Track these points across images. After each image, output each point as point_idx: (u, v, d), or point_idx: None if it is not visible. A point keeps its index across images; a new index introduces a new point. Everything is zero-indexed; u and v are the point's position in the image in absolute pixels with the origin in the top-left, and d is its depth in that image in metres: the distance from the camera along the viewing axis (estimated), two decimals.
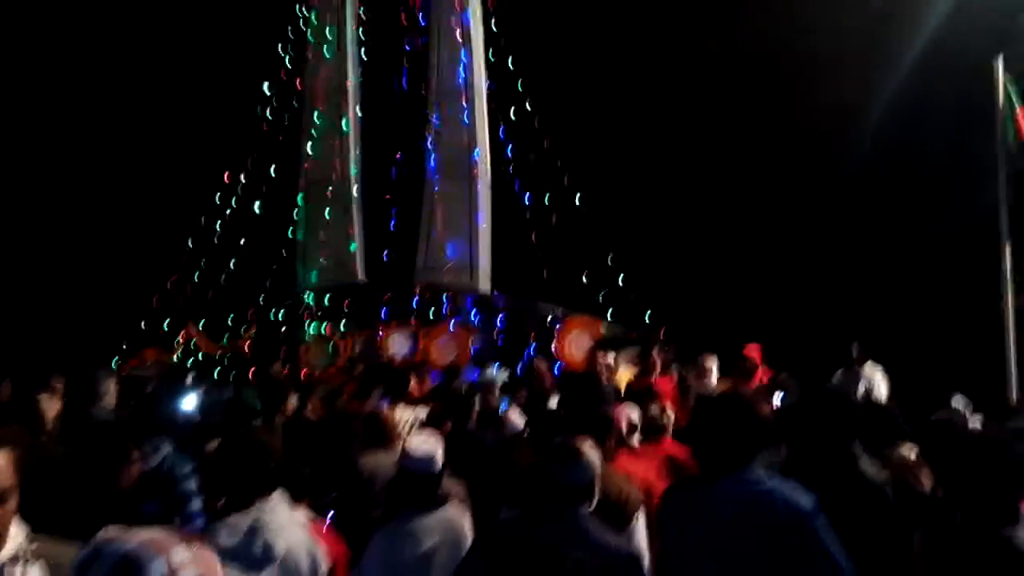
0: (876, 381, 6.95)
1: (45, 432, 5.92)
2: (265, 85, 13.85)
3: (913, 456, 3.86)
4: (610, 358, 8.43)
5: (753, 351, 7.98)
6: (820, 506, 2.94)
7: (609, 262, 11.87)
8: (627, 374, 8.46)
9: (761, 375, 7.76)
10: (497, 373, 9.11)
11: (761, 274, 13.16)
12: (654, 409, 5.53)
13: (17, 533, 1.83)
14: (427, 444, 3.62)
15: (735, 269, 13.32)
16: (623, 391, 7.51)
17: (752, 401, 3.13)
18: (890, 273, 12.07)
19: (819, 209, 13.26)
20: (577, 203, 12.33)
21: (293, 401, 6.69)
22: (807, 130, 13.68)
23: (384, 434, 5.15)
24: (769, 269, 13.16)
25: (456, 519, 3.63)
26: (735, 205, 13.88)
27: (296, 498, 3.56)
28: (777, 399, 6.48)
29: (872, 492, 3.40)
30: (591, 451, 3.15)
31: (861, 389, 6.90)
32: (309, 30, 14.32)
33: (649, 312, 11.33)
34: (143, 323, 12.34)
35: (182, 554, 1.31)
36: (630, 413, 4.96)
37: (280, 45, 14.19)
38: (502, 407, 8.33)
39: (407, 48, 14.27)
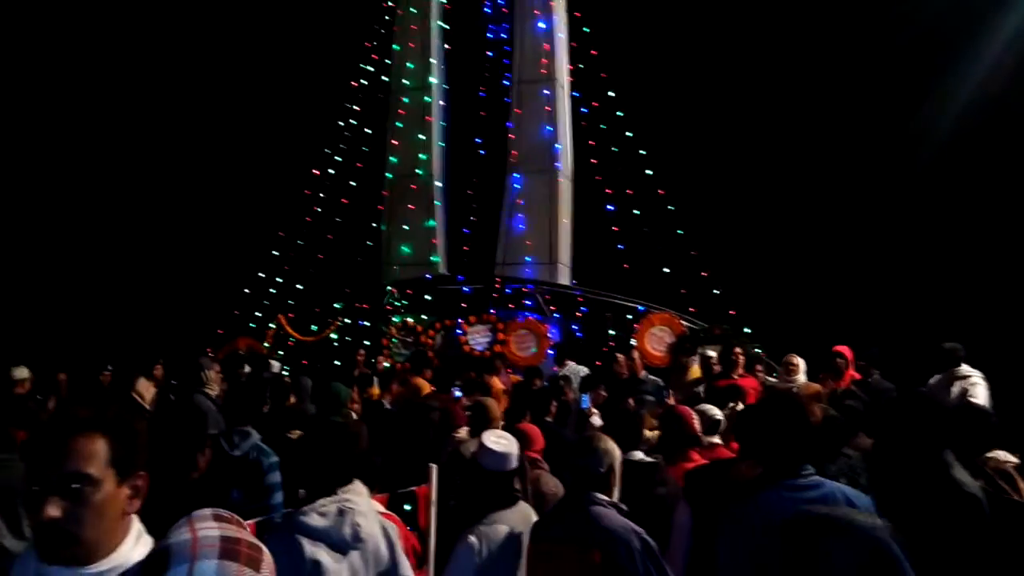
0: (972, 383, 6.56)
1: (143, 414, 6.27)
2: (351, 82, 14.18)
3: (1011, 464, 3.61)
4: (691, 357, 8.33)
5: (844, 350, 7.68)
6: (910, 516, 2.80)
7: (692, 256, 11.62)
8: (696, 371, 8.27)
9: (852, 375, 7.44)
10: (576, 368, 9.10)
11: (855, 270, 12.63)
12: (736, 409, 5.39)
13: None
14: (503, 441, 3.61)
15: (826, 264, 12.81)
16: (703, 389, 7.37)
17: (802, 402, 3.00)
18: (995, 272, 11.38)
19: (919, 204, 12.63)
20: (659, 196, 12.12)
21: (375, 390, 6.83)
22: (904, 126, 13.07)
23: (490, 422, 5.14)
24: (865, 265, 12.63)
25: (533, 516, 3.63)
26: (826, 197, 13.35)
27: (369, 487, 3.63)
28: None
29: (966, 501, 3.21)
30: (609, 443, 3.42)
31: (956, 391, 6.52)
32: (395, 25, 14.57)
33: (733, 308, 11.04)
34: (236, 313, 12.86)
35: (209, 566, 1.31)
36: (708, 411, 4.84)
37: (367, 41, 14.49)
38: (583, 403, 8.32)
39: (491, 40, 14.35)
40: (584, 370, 9.24)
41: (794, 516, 1.90)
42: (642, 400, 6.35)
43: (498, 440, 3.63)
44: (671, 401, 7.21)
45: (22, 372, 7.55)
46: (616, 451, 3.45)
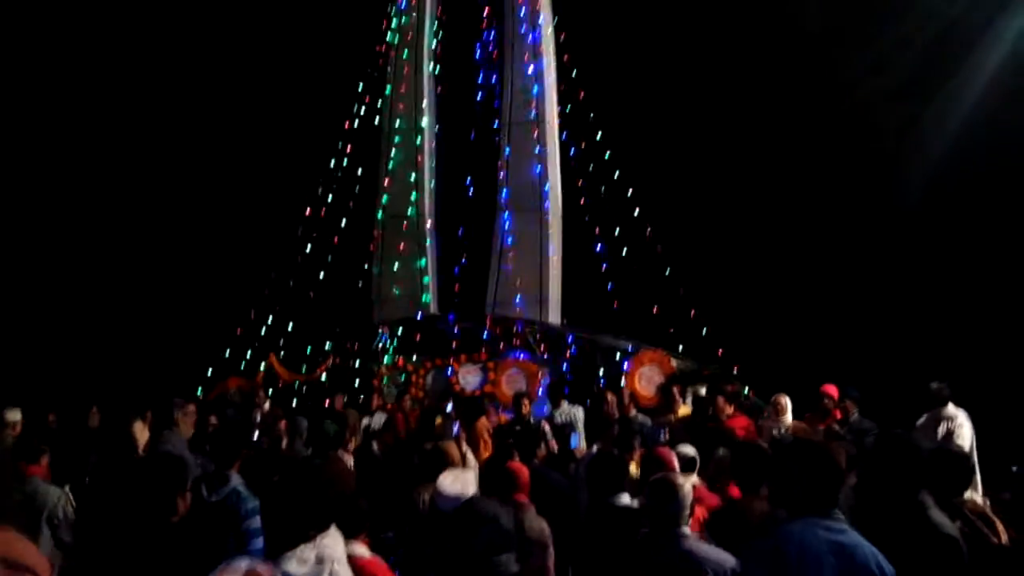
0: (958, 424, 6.60)
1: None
2: (344, 123, 14.37)
3: (987, 505, 3.66)
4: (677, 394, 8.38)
5: (831, 390, 7.73)
6: (890, 556, 2.87)
7: (680, 295, 11.71)
8: (686, 409, 8.30)
9: (836, 414, 7.49)
10: (570, 410, 9.12)
11: (842, 309, 12.73)
12: (721, 452, 5.44)
13: None
14: (457, 482, 3.65)
15: (813, 303, 12.91)
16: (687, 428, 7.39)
17: (830, 447, 3.09)
18: (983, 311, 11.49)
19: (905, 245, 12.80)
20: (648, 235, 12.25)
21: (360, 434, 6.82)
22: (890, 169, 13.33)
23: (446, 466, 5.18)
24: (852, 304, 12.73)
25: None
26: (812, 237, 13.52)
27: (355, 532, 3.63)
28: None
29: (944, 543, 3.25)
30: (681, 480, 3.69)
31: (942, 432, 6.57)
32: (387, 68, 14.83)
33: (721, 348, 11.10)
34: (227, 353, 12.83)
35: None
36: (682, 450, 4.89)
37: (359, 83, 14.72)
38: (572, 443, 8.32)
39: (480, 82, 14.61)
40: (580, 411, 9.24)
41: None
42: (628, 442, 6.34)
43: (453, 482, 3.68)
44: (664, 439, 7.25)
45: (14, 415, 7.54)
46: (688, 486, 3.69)
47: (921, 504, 3.30)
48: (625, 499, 4.39)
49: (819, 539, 2.87)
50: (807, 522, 2.94)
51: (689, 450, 5.09)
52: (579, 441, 8.80)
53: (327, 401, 11.49)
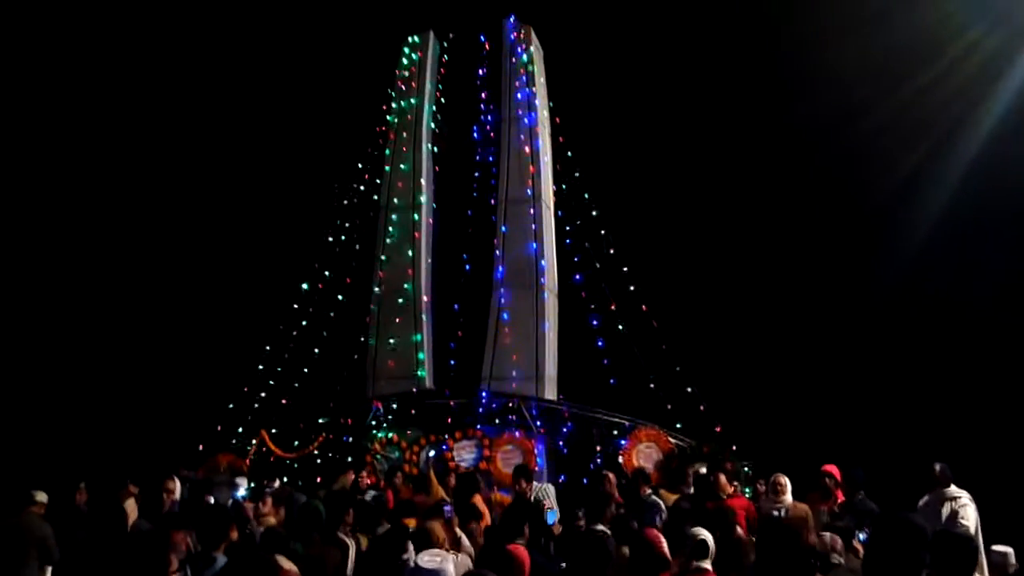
0: (962, 505, 6.52)
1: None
2: (344, 198, 14.59)
3: None
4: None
5: (832, 470, 7.66)
6: None
7: (677, 372, 11.70)
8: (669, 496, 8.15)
9: (838, 495, 7.40)
10: (544, 487, 9.05)
11: (841, 388, 12.72)
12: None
13: None
14: (436, 559, 3.65)
15: (812, 382, 12.90)
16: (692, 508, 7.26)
17: (797, 529, 3.04)
18: (982, 392, 11.50)
19: (903, 325, 12.90)
20: (643, 312, 12.32)
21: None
22: (886, 248, 13.57)
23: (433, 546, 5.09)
24: (851, 383, 12.73)
25: None
26: (811, 314, 13.63)
27: None
28: (862, 537, 6.18)
29: None
30: None
31: (946, 512, 6.48)
32: (386, 145, 15.17)
33: (720, 425, 11.03)
34: (218, 428, 12.67)
35: None
36: (698, 534, 4.78)
37: (358, 160, 15.01)
38: (549, 519, 8.18)
39: (478, 161, 14.93)
40: (551, 489, 9.15)
41: None
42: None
43: (432, 558, 3.67)
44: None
45: (42, 496, 7.52)
46: None
47: None
48: None
49: None
50: None
51: (703, 533, 4.90)
52: (555, 518, 8.69)
53: (319, 478, 11.31)
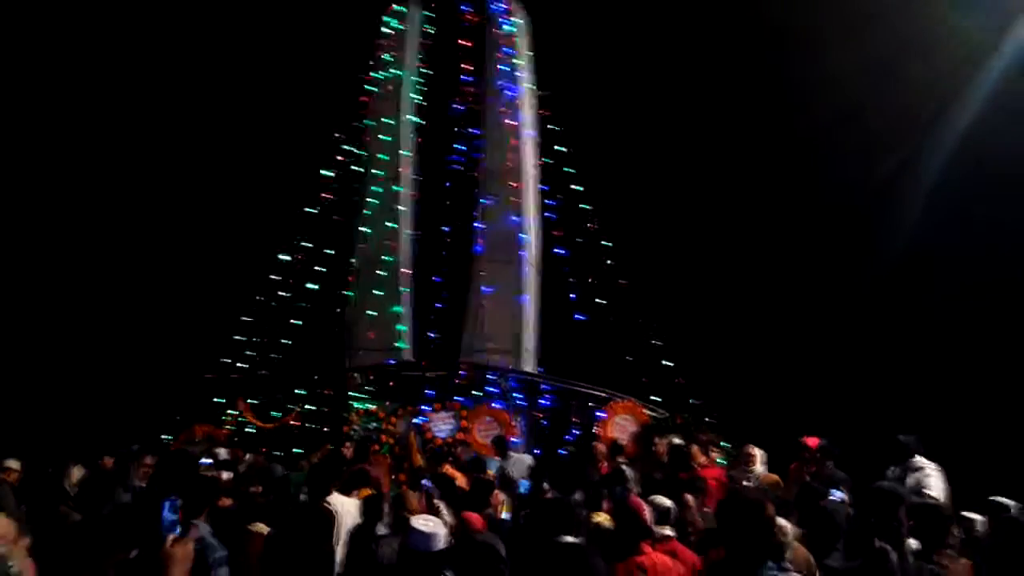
0: (926, 475, 6.64)
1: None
2: (322, 168, 14.46)
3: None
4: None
5: (810, 442, 7.76)
6: None
7: (654, 345, 11.79)
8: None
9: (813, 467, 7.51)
10: (521, 458, 9.15)
11: (814, 360, 12.87)
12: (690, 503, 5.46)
13: None
14: (430, 523, 3.71)
15: (785, 354, 13.06)
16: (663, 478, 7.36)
17: (759, 501, 3.07)
18: (945, 365, 11.69)
19: (875, 300, 13.04)
20: (622, 286, 12.37)
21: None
22: (865, 226, 13.67)
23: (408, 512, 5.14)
24: (824, 355, 12.88)
25: None
26: (784, 288, 13.74)
27: None
28: (835, 494, 6.32)
29: None
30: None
31: (911, 483, 6.60)
32: (367, 116, 15.01)
33: (694, 398, 11.15)
34: (196, 398, 12.62)
35: None
36: (657, 501, 4.87)
37: (339, 130, 14.86)
38: (522, 488, 8.28)
39: (460, 133, 14.83)
40: (528, 459, 9.24)
41: None
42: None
43: (426, 522, 3.73)
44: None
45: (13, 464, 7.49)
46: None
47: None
48: (568, 538, 4.43)
49: None
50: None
51: (665, 501, 5.07)
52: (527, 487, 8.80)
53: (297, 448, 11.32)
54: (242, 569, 4.54)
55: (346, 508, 5.89)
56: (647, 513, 4.57)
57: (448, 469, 7.90)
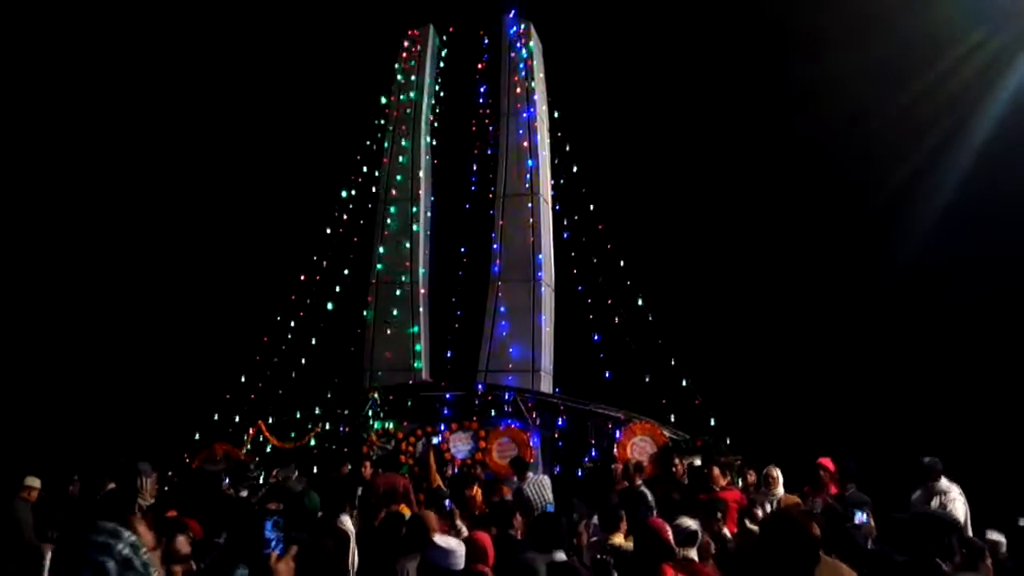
0: (951, 499, 6.61)
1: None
2: (342, 190, 14.63)
3: None
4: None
5: (827, 463, 7.74)
6: None
7: (672, 366, 11.77)
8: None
9: (833, 488, 7.48)
10: (539, 478, 9.15)
11: (835, 381, 12.81)
12: (714, 527, 5.46)
13: None
14: (451, 541, 3.78)
15: (806, 375, 12.98)
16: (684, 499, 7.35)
17: (803, 521, 3.09)
18: (965, 386, 11.60)
19: (896, 320, 12.99)
20: (639, 306, 12.39)
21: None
22: (880, 245, 13.64)
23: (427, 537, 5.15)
24: (844, 377, 12.82)
25: None
26: (805, 309, 13.70)
27: None
28: (859, 517, 6.30)
29: None
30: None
31: (935, 506, 6.56)
32: (385, 139, 15.20)
33: (713, 418, 11.11)
34: (215, 417, 12.72)
35: None
36: (684, 524, 4.86)
37: (357, 153, 15.04)
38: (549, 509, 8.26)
39: (476, 155, 14.98)
40: (547, 480, 9.21)
41: None
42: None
43: (447, 540, 3.80)
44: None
45: (34, 482, 7.57)
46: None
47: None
48: (560, 556, 4.59)
49: None
50: None
51: (691, 523, 5.02)
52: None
53: (315, 468, 11.36)
54: None
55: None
56: (669, 534, 4.56)
57: (476, 492, 7.93)
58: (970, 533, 6.38)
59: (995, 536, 6.16)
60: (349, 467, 10.21)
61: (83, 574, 1.67)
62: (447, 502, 7.10)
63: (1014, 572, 4.47)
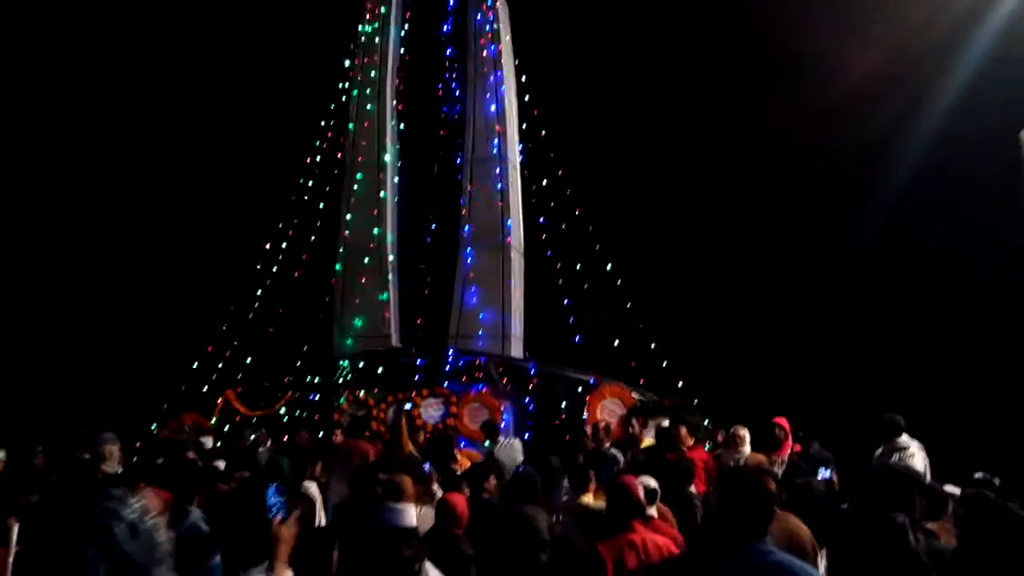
0: (910, 455, 6.79)
1: None
2: (306, 158, 14.38)
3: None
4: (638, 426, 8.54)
5: (782, 422, 7.87)
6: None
7: (640, 329, 11.87)
8: (649, 441, 8.42)
9: (790, 446, 7.63)
10: (512, 442, 9.25)
11: (800, 342, 13.03)
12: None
13: None
14: (399, 504, 3.88)
15: (771, 336, 13.19)
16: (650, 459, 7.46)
17: (760, 477, 3.12)
18: (925, 345, 11.87)
19: (859, 280, 13.19)
20: (608, 271, 12.43)
21: (319, 467, 6.76)
22: (846, 204, 13.77)
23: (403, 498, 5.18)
24: (810, 337, 13.03)
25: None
26: (770, 270, 13.85)
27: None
28: (822, 473, 6.45)
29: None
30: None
31: (894, 461, 6.74)
32: (350, 103, 14.91)
33: (682, 380, 11.25)
34: (183, 387, 12.59)
35: None
36: (644, 481, 4.94)
37: (322, 118, 14.76)
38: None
39: (443, 119, 14.79)
40: (518, 444, 9.31)
41: None
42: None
43: (395, 503, 3.91)
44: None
45: None
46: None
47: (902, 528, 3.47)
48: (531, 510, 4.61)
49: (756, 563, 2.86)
50: (747, 552, 2.90)
51: (651, 482, 5.14)
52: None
53: (285, 436, 11.33)
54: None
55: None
56: (640, 491, 4.63)
57: (461, 458, 8.02)
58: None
59: (952, 489, 6.34)
60: (307, 435, 10.25)
61: (93, 536, 1.76)
62: (426, 465, 7.13)
63: (964, 520, 4.62)
